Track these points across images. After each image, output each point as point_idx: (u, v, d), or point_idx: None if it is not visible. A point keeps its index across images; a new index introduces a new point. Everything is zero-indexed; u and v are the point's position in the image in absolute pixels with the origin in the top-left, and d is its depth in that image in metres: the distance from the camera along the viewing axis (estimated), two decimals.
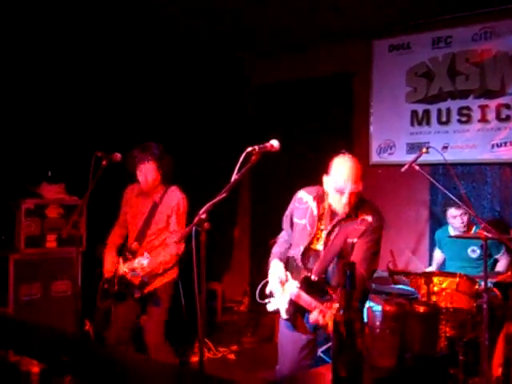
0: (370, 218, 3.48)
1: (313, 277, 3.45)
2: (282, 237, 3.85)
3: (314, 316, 3.26)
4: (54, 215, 5.40)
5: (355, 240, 3.46)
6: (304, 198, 3.68)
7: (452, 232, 5.53)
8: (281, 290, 3.55)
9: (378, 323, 1.99)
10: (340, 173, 3.41)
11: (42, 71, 5.76)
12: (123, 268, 4.45)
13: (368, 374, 1.91)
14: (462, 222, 5.35)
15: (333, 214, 3.53)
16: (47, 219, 5.38)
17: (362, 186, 3.44)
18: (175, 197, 4.58)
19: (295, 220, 3.70)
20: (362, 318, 3.12)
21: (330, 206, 3.53)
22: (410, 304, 4.96)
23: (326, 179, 3.51)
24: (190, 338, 5.92)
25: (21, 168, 5.56)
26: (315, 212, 3.58)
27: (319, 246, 3.55)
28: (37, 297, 5.30)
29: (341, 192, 3.40)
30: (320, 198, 3.59)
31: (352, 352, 1.83)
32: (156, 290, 4.54)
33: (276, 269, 3.61)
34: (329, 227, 3.51)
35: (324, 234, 3.54)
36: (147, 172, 4.50)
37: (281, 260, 3.67)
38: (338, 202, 3.45)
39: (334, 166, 3.47)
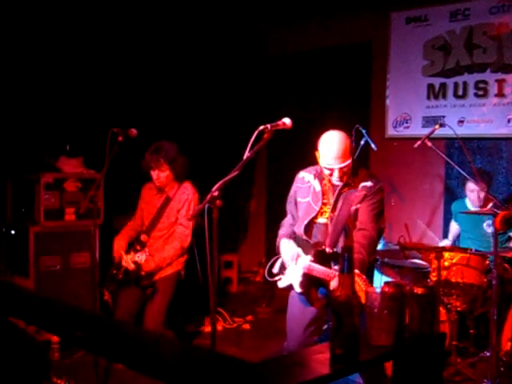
0: (368, 183, 3.60)
1: (327, 249, 3.53)
2: (287, 221, 3.92)
3: (334, 284, 3.29)
4: (72, 189, 5.48)
5: (358, 206, 3.57)
6: (306, 177, 3.79)
7: (469, 205, 5.54)
8: (294, 265, 3.63)
9: (376, 303, 2.06)
10: (327, 151, 3.52)
11: (63, 47, 5.80)
12: (127, 259, 4.54)
13: (365, 353, 1.98)
14: (479, 197, 5.34)
15: (334, 187, 3.64)
16: (66, 193, 5.45)
17: (352, 159, 3.55)
18: (187, 192, 4.65)
19: (299, 199, 3.79)
20: (372, 283, 3.22)
21: (329, 180, 3.64)
22: (422, 278, 5.03)
23: (317, 155, 3.61)
24: (206, 307, 6.04)
25: (40, 142, 5.65)
26: (318, 188, 3.69)
27: (323, 220, 3.65)
28: (56, 268, 5.40)
29: (330, 169, 3.52)
30: (320, 175, 3.69)
31: (349, 331, 1.90)
32: (159, 281, 4.59)
33: (287, 246, 3.69)
34: (332, 200, 3.61)
35: (328, 208, 3.64)
36: (159, 174, 4.59)
37: (289, 239, 3.76)
38: (331, 177, 3.57)
39: (322, 143, 3.57)
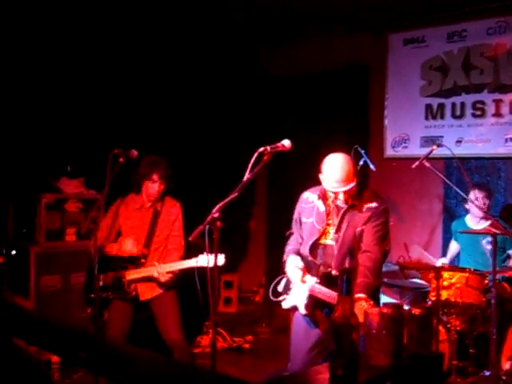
0: (373, 204, 3.59)
1: (333, 272, 3.53)
2: (295, 238, 3.91)
3: None
4: (73, 209, 5.52)
5: (363, 227, 3.56)
6: (309, 197, 3.78)
7: (468, 223, 5.55)
8: (300, 282, 3.61)
9: (375, 324, 2.08)
10: (331, 175, 3.50)
11: (64, 68, 5.86)
12: (132, 276, 4.51)
13: (364, 373, 2.00)
14: (484, 204, 5.33)
15: (338, 208, 3.63)
16: (66, 213, 5.50)
17: (356, 180, 3.52)
18: (174, 205, 4.70)
19: (303, 220, 3.78)
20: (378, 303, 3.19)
21: (333, 201, 3.63)
22: (422, 298, 5.04)
23: (321, 177, 3.60)
24: (206, 327, 6.05)
25: (41, 162, 5.69)
26: (321, 209, 3.67)
27: (328, 241, 3.64)
28: (56, 288, 5.43)
29: (335, 192, 3.52)
30: (324, 196, 3.68)
31: (349, 352, 1.92)
32: (160, 296, 4.58)
33: (294, 261, 3.68)
34: (336, 221, 3.60)
35: (332, 229, 3.63)
36: (153, 190, 4.58)
37: (296, 255, 3.76)
38: (336, 199, 3.57)
39: (325, 166, 3.54)
